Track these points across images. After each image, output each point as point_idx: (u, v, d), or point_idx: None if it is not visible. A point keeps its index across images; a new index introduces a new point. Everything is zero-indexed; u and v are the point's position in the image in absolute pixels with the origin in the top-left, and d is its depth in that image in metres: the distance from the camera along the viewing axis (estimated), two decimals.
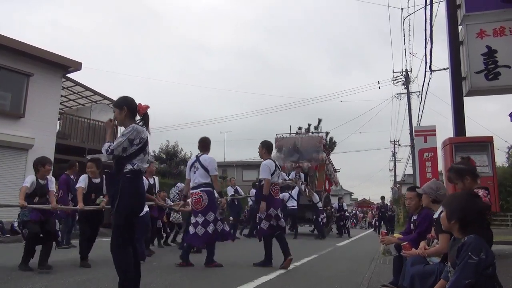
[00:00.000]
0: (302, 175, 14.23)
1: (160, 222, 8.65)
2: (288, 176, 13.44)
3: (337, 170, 18.03)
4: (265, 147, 6.14)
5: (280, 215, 5.94)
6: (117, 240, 3.36)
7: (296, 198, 13.17)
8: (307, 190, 13.55)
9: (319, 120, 27.11)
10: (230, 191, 12.00)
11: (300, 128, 24.85)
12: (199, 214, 5.69)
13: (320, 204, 13.88)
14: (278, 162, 6.84)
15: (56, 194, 7.07)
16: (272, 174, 5.86)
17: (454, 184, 3.57)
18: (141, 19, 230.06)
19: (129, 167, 3.38)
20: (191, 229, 5.76)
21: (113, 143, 3.39)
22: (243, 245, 10.01)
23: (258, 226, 5.95)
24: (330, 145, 25.82)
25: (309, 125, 27.05)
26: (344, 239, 13.77)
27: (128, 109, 3.54)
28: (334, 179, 17.43)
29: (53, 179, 5.71)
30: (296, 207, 13.06)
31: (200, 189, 5.72)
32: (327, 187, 16.14)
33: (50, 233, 5.28)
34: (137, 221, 6.01)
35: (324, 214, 14.11)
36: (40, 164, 5.44)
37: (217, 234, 5.82)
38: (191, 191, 5.85)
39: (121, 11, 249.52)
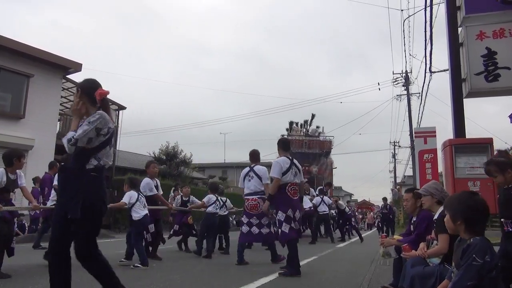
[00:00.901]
0: (329, 190, 14.44)
1: (176, 226, 8.38)
2: (316, 192, 13.56)
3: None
4: (280, 144, 5.87)
5: (296, 218, 5.45)
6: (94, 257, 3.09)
7: (327, 203, 13.19)
8: (331, 200, 13.97)
9: (313, 115, 26.65)
10: None
11: (291, 123, 24.67)
12: (254, 217, 6.33)
13: (347, 210, 14.34)
14: None
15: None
16: (285, 173, 5.43)
17: (492, 178, 3.57)
18: (141, 19, 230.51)
19: (94, 162, 2.92)
20: (245, 229, 6.37)
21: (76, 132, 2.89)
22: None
23: (280, 230, 5.47)
24: None
25: (305, 121, 26.86)
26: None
27: (83, 92, 3.01)
28: None
29: (23, 174, 5.26)
30: (327, 211, 13.08)
31: (258, 195, 6.36)
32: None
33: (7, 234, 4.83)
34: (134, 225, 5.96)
35: (353, 219, 14.34)
36: (16, 157, 5.00)
37: (272, 236, 6.49)
38: (246, 197, 6.47)
39: (121, 12, 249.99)
